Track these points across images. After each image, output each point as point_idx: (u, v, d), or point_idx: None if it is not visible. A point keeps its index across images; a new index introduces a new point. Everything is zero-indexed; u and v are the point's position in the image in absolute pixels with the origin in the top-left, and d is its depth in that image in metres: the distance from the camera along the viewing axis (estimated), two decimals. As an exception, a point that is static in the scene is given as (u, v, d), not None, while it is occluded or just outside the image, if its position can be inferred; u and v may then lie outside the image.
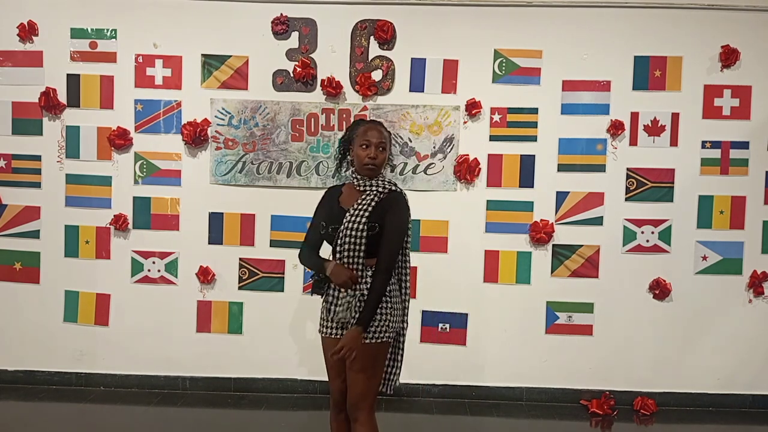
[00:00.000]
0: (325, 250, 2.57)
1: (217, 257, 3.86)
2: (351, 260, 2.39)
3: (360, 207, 2.40)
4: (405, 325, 2.53)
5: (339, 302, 2.43)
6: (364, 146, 2.42)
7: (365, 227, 2.36)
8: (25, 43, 3.80)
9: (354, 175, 2.49)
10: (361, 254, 2.38)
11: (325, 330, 2.51)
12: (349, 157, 2.52)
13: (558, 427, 3.58)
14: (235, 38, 3.77)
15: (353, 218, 2.38)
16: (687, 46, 3.72)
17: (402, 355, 2.55)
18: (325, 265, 2.45)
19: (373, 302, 2.34)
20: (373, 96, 3.77)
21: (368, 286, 2.38)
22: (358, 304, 2.39)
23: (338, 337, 2.42)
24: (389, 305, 2.40)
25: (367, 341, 2.34)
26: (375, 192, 2.43)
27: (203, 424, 3.52)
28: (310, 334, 3.89)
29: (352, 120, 3.76)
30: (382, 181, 2.46)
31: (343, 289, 2.41)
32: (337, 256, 2.42)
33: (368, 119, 2.70)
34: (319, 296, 2.53)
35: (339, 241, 2.40)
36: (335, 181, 3.72)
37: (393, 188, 2.46)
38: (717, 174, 3.76)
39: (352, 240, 2.37)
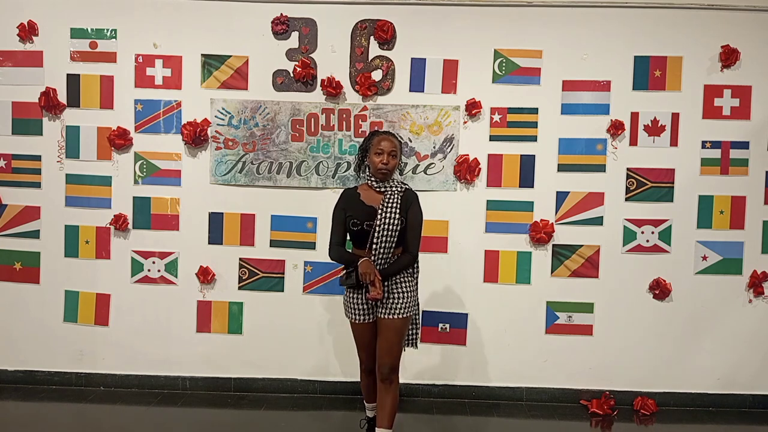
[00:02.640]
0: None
1: (217, 257, 3.86)
2: (386, 249, 2.85)
3: (390, 204, 2.85)
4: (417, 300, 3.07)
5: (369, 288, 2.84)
6: (378, 154, 2.86)
7: (398, 221, 2.84)
8: (25, 43, 3.80)
9: (370, 178, 2.94)
10: (394, 244, 2.86)
11: (357, 317, 2.94)
12: (366, 162, 2.97)
13: (558, 427, 3.58)
14: (235, 38, 3.77)
15: (388, 214, 2.84)
16: (687, 46, 3.72)
17: (419, 318, 3.13)
18: (357, 260, 2.86)
19: (396, 268, 2.87)
20: (373, 96, 3.77)
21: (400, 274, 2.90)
22: (392, 285, 2.90)
23: (369, 321, 2.94)
24: (413, 287, 2.95)
25: (398, 317, 2.87)
26: (396, 191, 2.90)
27: (203, 424, 3.52)
28: (310, 334, 3.89)
29: (352, 120, 3.77)
30: (397, 182, 2.94)
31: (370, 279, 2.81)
32: (374, 247, 2.83)
33: (382, 130, 2.99)
34: (351, 287, 2.92)
35: (377, 234, 2.82)
36: (335, 180, 3.77)
37: (407, 187, 2.97)
38: (717, 174, 3.76)
39: (389, 233, 2.83)
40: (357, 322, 2.96)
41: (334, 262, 3.01)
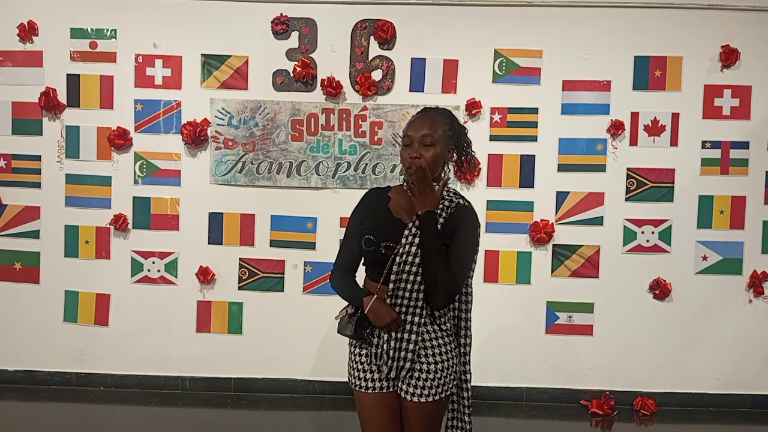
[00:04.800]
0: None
1: (217, 257, 3.86)
2: (411, 290, 1.89)
3: None
4: (468, 374, 2.06)
5: (393, 346, 1.91)
6: (406, 145, 1.95)
7: None
8: (25, 43, 3.80)
9: (405, 179, 1.98)
10: (423, 284, 1.89)
11: (364, 382, 1.97)
12: None
13: (558, 427, 3.58)
14: (235, 38, 3.77)
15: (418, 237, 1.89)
16: (687, 46, 3.72)
17: (469, 411, 2.07)
18: (364, 300, 1.92)
19: (436, 265, 1.84)
20: (373, 96, 3.77)
21: (427, 329, 1.94)
22: (418, 350, 1.91)
23: (384, 392, 1.96)
24: (450, 350, 1.97)
25: (428, 399, 1.91)
26: (443, 206, 1.95)
27: (203, 424, 3.52)
28: (310, 334, 3.89)
29: (352, 120, 3.77)
30: (448, 190, 2.00)
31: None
32: (392, 284, 1.90)
33: (426, 107, 2.07)
34: (352, 339, 2.00)
35: (397, 267, 1.88)
36: (335, 180, 3.77)
37: (460, 201, 1.98)
38: (717, 174, 3.76)
39: (416, 265, 1.87)
40: (365, 389, 1.96)
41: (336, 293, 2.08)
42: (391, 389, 1.97)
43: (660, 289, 3.78)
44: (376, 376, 1.96)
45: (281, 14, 3.74)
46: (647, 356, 3.83)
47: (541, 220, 3.78)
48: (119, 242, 3.87)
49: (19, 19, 3.77)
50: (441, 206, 1.94)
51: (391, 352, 1.90)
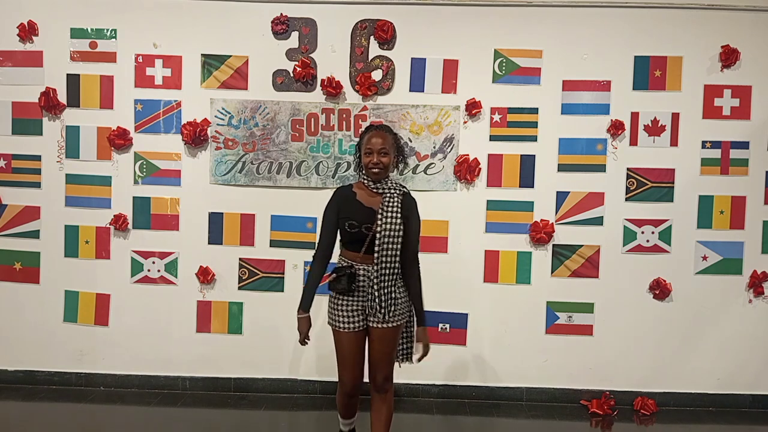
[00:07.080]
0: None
1: (217, 257, 3.86)
2: (391, 256, 2.67)
3: (392, 208, 2.68)
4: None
5: (383, 297, 2.69)
6: (367, 153, 2.70)
7: (400, 227, 2.67)
8: (25, 43, 3.80)
9: (365, 178, 2.75)
10: (399, 251, 2.68)
11: (346, 324, 2.74)
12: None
13: (558, 427, 3.58)
14: (235, 38, 3.77)
15: (390, 218, 2.66)
16: (687, 46, 3.72)
17: (413, 330, 2.87)
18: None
19: (420, 290, 2.78)
20: (373, 96, 3.77)
21: (398, 280, 2.75)
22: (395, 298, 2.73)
23: (359, 330, 2.73)
24: (406, 293, 2.79)
25: (393, 325, 2.72)
26: (396, 194, 2.72)
27: (203, 424, 3.52)
28: (310, 333, 3.87)
29: (352, 120, 3.77)
30: (395, 183, 2.76)
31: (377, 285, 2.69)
32: (376, 254, 2.65)
33: (376, 125, 2.85)
34: (341, 293, 2.74)
35: (378, 241, 2.65)
36: (335, 180, 3.77)
37: (404, 189, 2.78)
38: (717, 174, 3.76)
39: (393, 239, 2.66)
40: (346, 330, 2.74)
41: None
42: (361, 329, 2.74)
43: (660, 289, 3.78)
44: (353, 320, 2.73)
45: (281, 14, 3.74)
46: (647, 356, 3.84)
47: (541, 220, 3.78)
48: (119, 242, 3.87)
49: (19, 19, 3.77)
50: (397, 193, 2.72)
51: (383, 303, 2.69)
